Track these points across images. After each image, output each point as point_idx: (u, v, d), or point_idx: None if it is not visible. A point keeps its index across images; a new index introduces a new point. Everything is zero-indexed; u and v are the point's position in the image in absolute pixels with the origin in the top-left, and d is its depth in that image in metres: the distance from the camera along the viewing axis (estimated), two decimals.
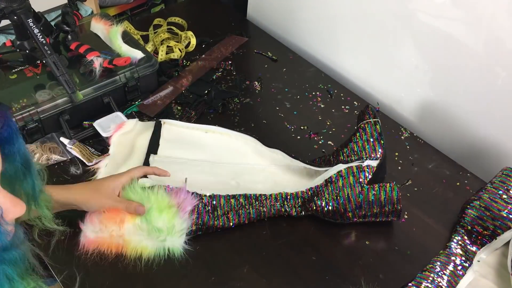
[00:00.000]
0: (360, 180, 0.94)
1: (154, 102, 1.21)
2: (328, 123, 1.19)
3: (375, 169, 0.95)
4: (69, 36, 1.17)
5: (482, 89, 1.07)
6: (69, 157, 1.05)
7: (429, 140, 1.17)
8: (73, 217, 0.88)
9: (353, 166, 0.95)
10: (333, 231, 0.96)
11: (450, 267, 0.89)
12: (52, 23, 1.19)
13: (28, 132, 1.05)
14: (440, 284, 0.87)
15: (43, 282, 0.57)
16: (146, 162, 1.03)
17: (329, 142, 1.14)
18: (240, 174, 1.05)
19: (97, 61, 1.11)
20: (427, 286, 0.86)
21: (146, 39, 1.42)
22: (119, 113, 1.12)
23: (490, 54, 1.02)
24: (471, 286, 0.88)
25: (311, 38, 1.42)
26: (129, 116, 1.15)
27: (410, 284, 0.87)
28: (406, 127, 1.19)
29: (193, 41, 1.40)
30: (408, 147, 1.14)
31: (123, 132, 1.09)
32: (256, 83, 1.30)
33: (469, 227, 0.93)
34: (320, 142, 1.15)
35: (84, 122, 1.13)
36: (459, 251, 0.92)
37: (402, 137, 1.17)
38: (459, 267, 0.90)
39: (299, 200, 0.97)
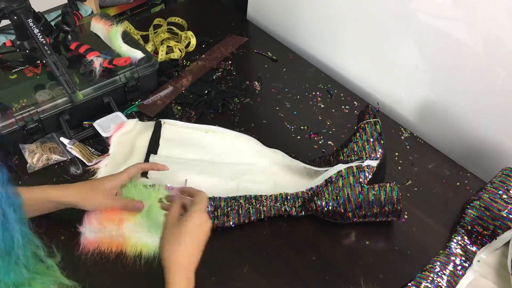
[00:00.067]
0: (360, 180, 0.94)
1: (154, 102, 1.21)
2: (328, 123, 1.19)
3: (375, 169, 0.95)
4: (69, 36, 1.17)
5: (482, 89, 1.07)
6: (69, 157, 1.05)
7: (429, 140, 1.17)
8: (72, 216, 0.88)
9: (353, 166, 0.95)
10: (333, 231, 0.96)
11: (450, 267, 0.89)
12: (52, 23, 1.19)
13: (28, 132, 1.05)
14: (440, 284, 0.87)
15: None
16: (146, 162, 1.03)
17: (329, 142, 1.14)
18: (240, 174, 1.05)
19: (97, 61, 1.11)
20: (427, 286, 0.86)
21: (146, 39, 1.42)
22: (119, 113, 1.12)
23: (490, 54, 1.02)
24: (471, 286, 0.88)
25: (311, 38, 1.42)
26: (129, 116, 1.15)
27: (409, 284, 0.87)
28: (406, 127, 1.19)
29: (193, 41, 1.40)
30: (408, 147, 1.14)
31: (123, 132, 1.09)
32: (256, 83, 1.30)
33: (469, 227, 0.93)
34: (320, 142, 1.15)
35: (84, 122, 1.13)
36: (459, 251, 0.92)
37: (402, 137, 1.17)
38: (459, 267, 0.90)
39: (299, 200, 0.97)
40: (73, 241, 0.89)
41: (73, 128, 1.11)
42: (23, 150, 1.04)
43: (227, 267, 0.90)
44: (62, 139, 1.07)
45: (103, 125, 1.09)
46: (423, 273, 0.88)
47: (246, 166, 1.07)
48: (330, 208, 0.93)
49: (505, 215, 0.91)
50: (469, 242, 0.93)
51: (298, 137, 1.16)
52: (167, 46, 1.36)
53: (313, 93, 1.28)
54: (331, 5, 1.30)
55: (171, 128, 1.13)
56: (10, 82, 1.11)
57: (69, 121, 1.09)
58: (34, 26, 1.02)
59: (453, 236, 0.94)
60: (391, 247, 0.94)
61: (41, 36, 1.03)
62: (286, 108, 1.23)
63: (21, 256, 0.56)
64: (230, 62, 1.35)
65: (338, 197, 0.93)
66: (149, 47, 1.37)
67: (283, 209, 0.96)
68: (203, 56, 1.37)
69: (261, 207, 0.95)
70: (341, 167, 0.96)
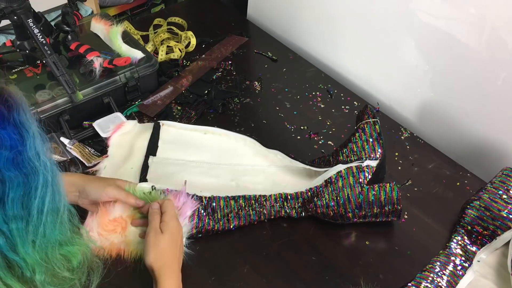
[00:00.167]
0: (360, 180, 0.94)
1: (154, 102, 1.21)
2: (328, 123, 1.19)
3: (374, 169, 0.95)
4: (69, 36, 1.17)
5: (482, 89, 1.07)
6: (69, 157, 1.05)
7: (429, 140, 1.17)
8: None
9: (353, 166, 0.95)
10: (333, 231, 0.96)
11: (450, 267, 0.89)
12: (52, 23, 1.19)
13: None
14: (440, 284, 0.87)
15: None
16: (145, 164, 1.03)
17: (329, 142, 1.14)
18: (239, 175, 1.05)
19: (97, 61, 1.11)
20: (427, 286, 0.86)
21: (146, 39, 1.42)
22: (118, 114, 1.12)
23: (490, 54, 1.02)
24: (471, 286, 0.88)
25: (311, 38, 1.42)
26: (129, 117, 1.15)
27: (409, 284, 0.87)
28: (406, 127, 1.19)
29: (193, 41, 1.40)
30: (408, 147, 1.14)
31: (122, 133, 1.09)
32: (256, 83, 1.30)
33: (469, 227, 0.93)
34: (320, 142, 1.14)
35: (84, 122, 1.13)
36: (459, 251, 0.92)
37: (402, 137, 1.17)
38: (459, 267, 0.90)
39: (299, 200, 0.96)
40: None
41: (73, 128, 1.11)
42: None
43: (227, 267, 0.90)
44: (62, 139, 1.07)
45: (102, 126, 1.09)
46: (423, 273, 0.88)
47: (245, 167, 1.07)
48: (330, 208, 0.93)
49: (505, 215, 0.91)
50: (469, 242, 0.93)
51: (298, 137, 1.16)
52: (167, 46, 1.37)
53: (313, 93, 1.28)
54: (331, 5, 1.30)
55: (170, 129, 1.13)
56: (10, 82, 1.11)
57: (69, 121, 1.09)
58: (34, 26, 1.02)
59: (453, 236, 0.94)
60: (391, 247, 0.94)
61: (41, 36, 1.03)
62: (286, 108, 1.23)
63: (65, 217, 0.60)
64: (230, 62, 1.35)
65: (338, 198, 0.93)
66: (149, 47, 1.37)
67: (283, 211, 0.96)
68: (203, 56, 1.37)
69: (261, 210, 0.95)
70: (340, 167, 0.96)
